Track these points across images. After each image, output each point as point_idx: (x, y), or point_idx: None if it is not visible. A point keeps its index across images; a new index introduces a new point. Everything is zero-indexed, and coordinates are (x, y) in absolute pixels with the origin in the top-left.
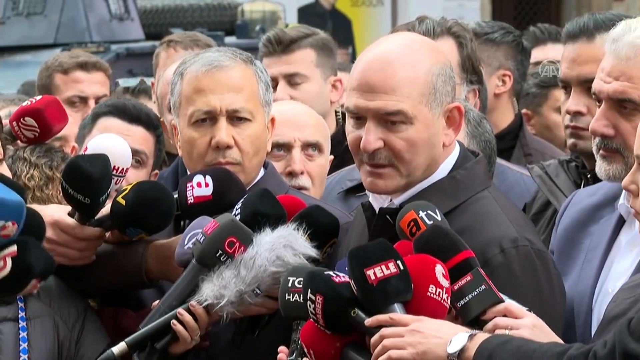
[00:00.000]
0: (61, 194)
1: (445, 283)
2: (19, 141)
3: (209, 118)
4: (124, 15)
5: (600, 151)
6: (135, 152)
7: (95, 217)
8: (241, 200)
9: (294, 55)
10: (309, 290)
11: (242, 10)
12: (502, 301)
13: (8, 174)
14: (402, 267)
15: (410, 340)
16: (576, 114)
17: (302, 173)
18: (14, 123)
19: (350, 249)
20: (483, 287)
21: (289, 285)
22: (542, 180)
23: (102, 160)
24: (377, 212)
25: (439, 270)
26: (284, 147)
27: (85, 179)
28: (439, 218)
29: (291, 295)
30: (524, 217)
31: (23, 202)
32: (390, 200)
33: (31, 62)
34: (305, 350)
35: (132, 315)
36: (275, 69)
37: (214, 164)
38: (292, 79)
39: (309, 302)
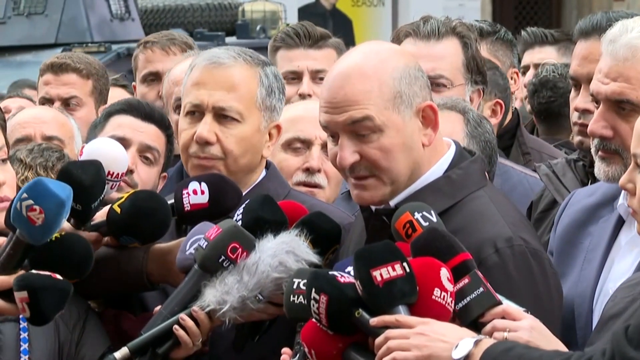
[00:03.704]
0: None
1: (450, 287)
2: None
3: (198, 112)
4: (125, 15)
5: (599, 152)
6: (148, 149)
7: (93, 222)
8: (242, 206)
9: (320, 51)
10: (313, 290)
11: (242, 10)
12: (500, 303)
13: (12, 173)
14: (408, 270)
15: (416, 343)
16: (585, 112)
17: (319, 171)
18: None
19: (355, 250)
20: (481, 289)
21: (294, 287)
22: (549, 178)
23: (94, 166)
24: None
25: (444, 273)
26: (304, 143)
27: (77, 186)
28: (434, 219)
29: (296, 297)
30: (521, 217)
31: (64, 203)
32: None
33: (32, 62)
34: (306, 350)
35: (132, 319)
36: (301, 62)
37: (194, 157)
38: (317, 75)
39: (312, 302)
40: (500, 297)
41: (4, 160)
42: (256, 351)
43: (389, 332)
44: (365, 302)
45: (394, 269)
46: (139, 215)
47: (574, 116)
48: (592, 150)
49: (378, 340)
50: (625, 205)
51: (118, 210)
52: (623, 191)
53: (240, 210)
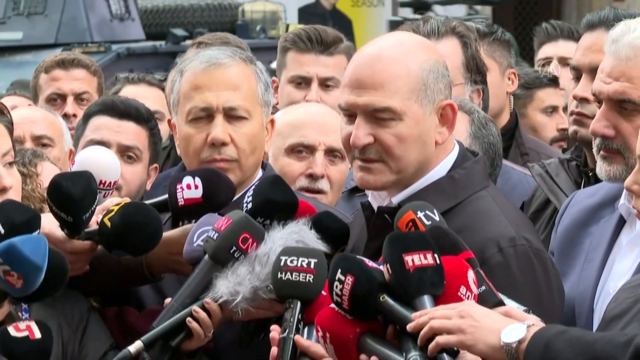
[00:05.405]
0: (40, 187)
1: (475, 290)
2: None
3: (206, 115)
4: (125, 15)
5: (601, 152)
6: (127, 148)
7: (87, 230)
8: (251, 188)
9: (332, 58)
10: (339, 271)
11: (242, 10)
12: (502, 302)
13: (18, 177)
14: (438, 262)
15: (459, 323)
16: (582, 101)
17: (322, 177)
18: None
19: (354, 249)
20: (484, 288)
21: (282, 264)
22: (543, 179)
23: (84, 178)
24: (375, 211)
25: (471, 275)
26: (307, 149)
27: (66, 199)
28: (437, 218)
29: (284, 273)
30: (523, 217)
31: (41, 267)
32: (390, 199)
33: (32, 62)
34: (320, 334)
35: (136, 313)
36: (311, 68)
37: (209, 160)
38: (326, 82)
39: (336, 283)
40: (501, 297)
41: (10, 164)
42: (258, 349)
43: (433, 312)
44: (392, 287)
45: (425, 257)
46: (129, 230)
47: (572, 105)
48: (594, 150)
49: (421, 318)
50: (627, 205)
51: (108, 224)
52: (624, 191)
53: (250, 193)
